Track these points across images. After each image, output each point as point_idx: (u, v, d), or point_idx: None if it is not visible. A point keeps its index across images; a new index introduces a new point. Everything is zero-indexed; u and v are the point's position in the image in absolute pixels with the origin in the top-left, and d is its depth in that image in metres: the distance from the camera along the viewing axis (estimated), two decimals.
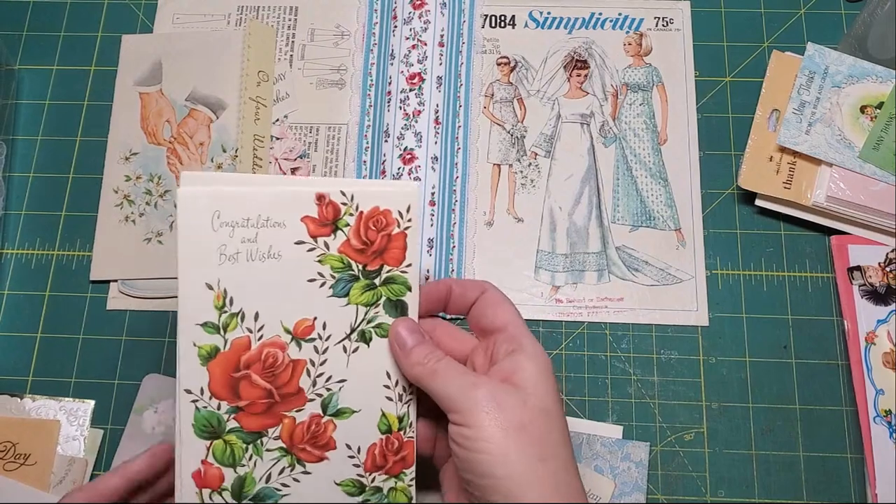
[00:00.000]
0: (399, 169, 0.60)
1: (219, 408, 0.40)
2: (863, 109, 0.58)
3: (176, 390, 0.39)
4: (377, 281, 0.41)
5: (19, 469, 0.54)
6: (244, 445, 0.40)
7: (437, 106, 0.62)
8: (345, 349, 0.41)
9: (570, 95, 0.63)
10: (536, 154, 0.61)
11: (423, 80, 0.62)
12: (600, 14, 0.65)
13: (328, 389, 0.41)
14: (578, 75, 0.63)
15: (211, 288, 0.39)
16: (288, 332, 0.40)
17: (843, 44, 0.61)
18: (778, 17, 0.64)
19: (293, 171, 0.61)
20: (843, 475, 0.54)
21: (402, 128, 0.61)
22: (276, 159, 0.61)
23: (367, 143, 0.62)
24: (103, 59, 0.65)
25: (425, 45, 0.63)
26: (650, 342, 0.57)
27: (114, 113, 0.63)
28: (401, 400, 0.42)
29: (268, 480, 0.41)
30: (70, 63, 0.65)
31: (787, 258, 0.58)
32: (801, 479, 0.54)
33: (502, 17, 0.65)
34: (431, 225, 0.60)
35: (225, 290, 0.40)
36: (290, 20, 0.65)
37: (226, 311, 0.40)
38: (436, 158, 0.61)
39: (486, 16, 0.65)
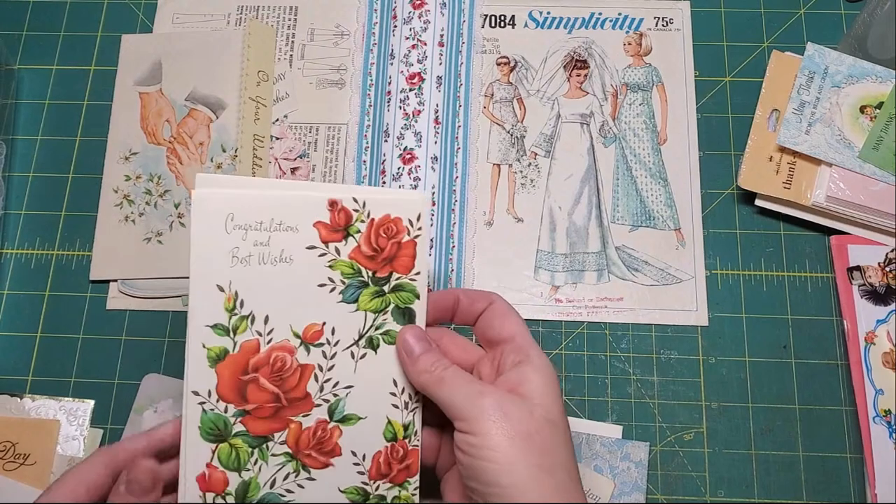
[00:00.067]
0: (399, 169, 0.60)
1: (226, 411, 0.40)
2: (862, 109, 0.58)
3: (183, 391, 0.39)
4: (386, 288, 0.41)
5: (19, 469, 0.54)
6: (250, 450, 0.40)
7: (437, 106, 0.62)
8: (352, 355, 0.41)
9: (569, 95, 0.63)
10: (536, 154, 0.61)
11: (422, 79, 0.62)
12: (600, 14, 0.65)
13: (335, 395, 0.41)
14: (578, 75, 0.63)
15: (222, 290, 0.40)
16: (297, 336, 0.40)
17: (842, 44, 0.61)
18: (778, 17, 0.64)
19: (293, 171, 0.61)
20: (842, 475, 0.54)
21: (402, 128, 0.61)
22: (276, 159, 0.61)
23: (367, 142, 0.62)
24: (103, 58, 0.65)
25: (425, 44, 0.63)
26: (650, 342, 0.57)
27: (114, 113, 0.63)
28: (407, 408, 0.42)
29: (272, 486, 0.41)
30: (70, 63, 0.65)
31: (786, 258, 0.58)
32: (801, 479, 0.54)
33: (502, 17, 0.65)
34: (431, 225, 0.60)
35: (236, 293, 0.40)
36: (289, 20, 0.65)
37: (236, 314, 0.40)
38: (435, 158, 0.61)
39: (486, 16, 0.65)
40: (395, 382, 0.41)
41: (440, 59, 0.63)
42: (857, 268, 0.57)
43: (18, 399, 0.56)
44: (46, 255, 0.60)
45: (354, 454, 0.41)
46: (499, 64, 0.64)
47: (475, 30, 0.64)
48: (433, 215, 0.60)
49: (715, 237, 0.59)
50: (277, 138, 0.62)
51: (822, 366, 0.56)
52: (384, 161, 0.61)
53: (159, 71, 0.64)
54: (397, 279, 0.41)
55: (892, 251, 0.57)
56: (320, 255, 0.40)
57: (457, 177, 0.61)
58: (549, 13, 0.65)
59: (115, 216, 0.60)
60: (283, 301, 0.40)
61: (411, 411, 0.42)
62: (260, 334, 0.40)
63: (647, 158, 0.61)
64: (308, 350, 0.41)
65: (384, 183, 0.60)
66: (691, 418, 0.55)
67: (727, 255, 0.59)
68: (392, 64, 0.63)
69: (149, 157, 0.62)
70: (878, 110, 0.57)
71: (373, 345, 0.41)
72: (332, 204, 0.40)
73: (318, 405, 0.41)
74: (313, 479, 0.41)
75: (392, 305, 0.41)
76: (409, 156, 0.61)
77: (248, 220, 0.40)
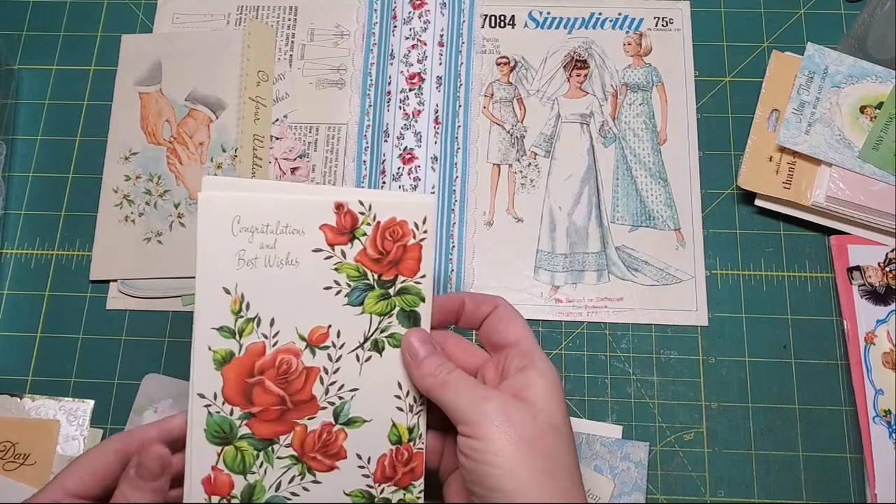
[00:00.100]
0: (399, 169, 0.60)
1: (231, 413, 0.40)
2: (862, 109, 0.58)
3: (183, 391, 0.39)
4: (391, 291, 0.41)
5: (19, 469, 0.54)
6: (255, 452, 0.40)
7: (437, 106, 0.62)
8: (358, 358, 0.41)
9: (569, 95, 0.63)
10: (536, 154, 0.61)
11: (422, 79, 0.62)
12: (600, 14, 0.65)
13: (340, 398, 0.41)
14: (578, 75, 0.63)
15: (228, 292, 0.40)
16: (302, 338, 0.40)
17: (842, 44, 0.61)
18: (778, 17, 0.64)
19: (293, 171, 0.61)
20: (842, 475, 0.54)
21: (402, 128, 0.61)
22: (276, 159, 0.61)
23: (367, 142, 0.62)
24: (103, 58, 0.65)
25: (425, 44, 0.63)
26: (650, 342, 0.57)
27: (113, 113, 0.63)
28: (411, 411, 0.42)
29: (277, 489, 0.41)
30: (70, 63, 0.65)
31: (786, 258, 0.58)
32: (801, 479, 0.54)
33: (502, 17, 0.65)
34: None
35: (242, 295, 0.40)
36: (289, 20, 0.65)
37: (242, 316, 0.40)
38: (435, 158, 0.61)
39: (486, 16, 0.65)
40: (399, 385, 0.41)
41: (440, 59, 0.63)
42: (857, 268, 0.57)
43: (18, 399, 0.56)
44: (46, 255, 0.60)
45: (359, 457, 0.41)
46: (499, 64, 0.64)
47: (475, 30, 0.64)
48: None
49: (715, 237, 0.59)
50: (277, 138, 0.62)
51: (822, 366, 0.56)
52: (384, 161, 0.61)
53: (159, 71, 0.64)
54: (403, 282, 0.41)
55: (892, 251, 0.57)
56: (326, 258, 0.40)
57: (457, 177, 0.61)
58: (549, 13, 0.65)
59: (115, 216, 0.60)
60: (289, 304, 0.40)
61: (416, 414, 0.42)
62: (266, 337, 0.40)
63: (647, 158, 0.61)
64: (313, 353, 0.41)
65: (384, 183, 0.60)
66: (691, 418, 0.55)
67: (727, 255, 0.59)
68: (392, 64, 0.63)
69: (149, 157, 0.62)
70: (878, 110, 0.57)
71: (378, 348, 0.41)
72: (339, 207, 0.40)
73: (324, 408, 0.41)
74: (318, 482, 0.41)
75: (397, 308, 0.41)
76: (408, 156, 0.61)
77: (255, 223, 0.40)
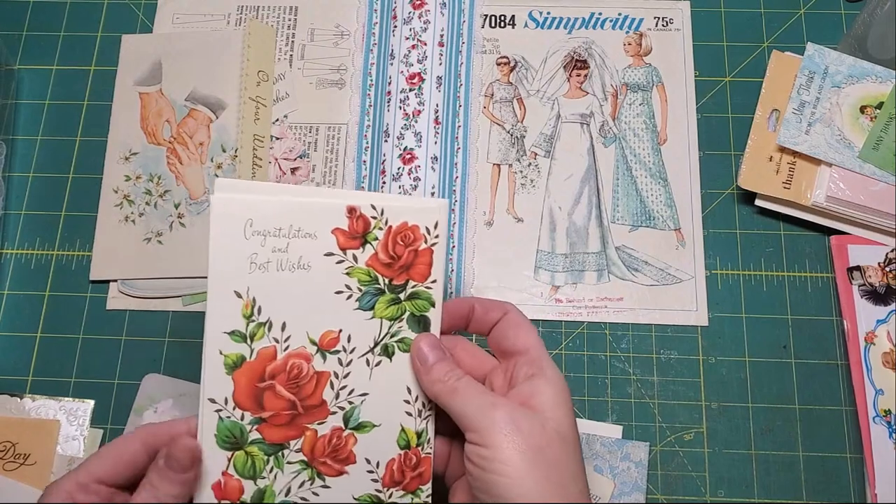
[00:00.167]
0: (399, 169, 0.60)
1: (242, 418, 0.40)
2: (862, 109, 0.58)
3: (199, 399, 0.39)
4: (402, 296, 0.41)
5: (19, 469, 0.54)
6: (265, 457, 0.40)
7: (437, 106, 0.62)
8: (368, 362, 0.41)
9: (569, 95, 0.63)
10: (536, 154, 0.61)
11: (422, 79, 0.62)
12: (600, 14, 0.65)
13: (350, 403, 0.41)
14: (578, 75, 0.63)
15: (240, 296, 0.39)
16: (313, 343, 0.40)
17: (842, 44, 0.61)
18: (778, 17, 0.64)
19: (293, 171, 0.61)
20: (842, 475, 0.54)
21: (402, 128, 0.61)
22: (276, 159, 0.61)
23: (367, 142, 0.62)
24: (103, 59, 0.65)
25: (425, 45, 0.63)
26: (650, 342, 0.57)
27: (114, 113, 0.63)
28: (420, 415, 0.42)
29: (287, 494, 0.40)
30: (70, 63, 0.65)
31: (786, 258, 0.58)
32: (801, 479, 0.54)
33: (502, 17, 0.65)
34: None
35: (254, 299, 0.40)
36: (289, 20, 0.65)
37: (253, 321, 0.40)
38: (435, 158, 0.61)
39: (486, 16, 0.65)
40: (409, 390, 0.41)
41: (440, 59, 0.63)
42: (857, 268, 0.57)
43: (18, 399, 0.56)
44: (46, 256, 0.60)
45: (368, 462, 0.41)
46: (499, 64, 0.64)
47: (475, 30, 0.64)
48: None
49: (715, 237, 0.59)
50: (277, 138, 0.62)
51: (822, 366, 0.56)
52: (384, 161, 0.61)
53: (159, 71, 0.64)
54: (413, 287, 0.41)
55: (892, 251, 0.57)
56: (338, 262, 0.40)
57: (457, 177, 0.61)
58: (549, 13, 0.65)
59: (115, 216, 0.60)
60: (301, 308, 0.40)
61: (424, 419, 0.42)
62: (277, 341, 0.40)
63: (647, 158, 0.61)
64: (324, 357, 0.41)
65: (384, 183, 0.60)
66: (691, 418, 0.55)
67: (727, 255, 0.59)
68: (392, 64, 0.63)
69: (149, 158, 0.62)
70: (878, 110, 0.57)
71: (388, 352, 0.41)
72: (351, 211, 0.40)
73: (334, 412, 0.41)
74: (328, 487, 0.41)
75: (408, 313, 0.41)
76: (409, 156, 0.61)
77: (267, 226, 0.39)
